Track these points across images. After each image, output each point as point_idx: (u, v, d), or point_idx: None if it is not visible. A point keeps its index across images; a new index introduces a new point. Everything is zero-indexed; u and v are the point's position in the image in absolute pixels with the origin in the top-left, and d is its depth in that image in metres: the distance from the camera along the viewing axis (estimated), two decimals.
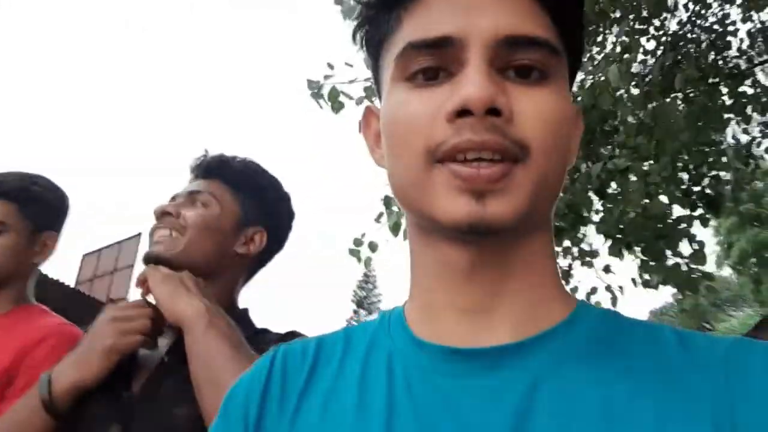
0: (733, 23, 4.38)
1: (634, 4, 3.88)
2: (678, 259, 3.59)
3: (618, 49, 4.02)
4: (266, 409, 0.52)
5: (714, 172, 4.04)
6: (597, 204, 3.89)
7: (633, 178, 3.69)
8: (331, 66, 3.69)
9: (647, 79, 3.73)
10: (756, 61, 4.32)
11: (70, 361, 0.93)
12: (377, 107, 0.56)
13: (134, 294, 1.09)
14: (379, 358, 0.51)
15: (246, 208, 1.13)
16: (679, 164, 3.82)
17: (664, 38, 4.23)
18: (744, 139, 4.54)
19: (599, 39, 4.15)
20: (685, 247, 3.65)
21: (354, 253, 4.11)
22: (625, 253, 3.80)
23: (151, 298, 0.98)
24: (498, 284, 0.48)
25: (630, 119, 3.51)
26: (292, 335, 1.00)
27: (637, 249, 3.73)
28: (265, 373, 0.55)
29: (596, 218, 3.96)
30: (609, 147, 3.87)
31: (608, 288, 4.03)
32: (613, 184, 3.77)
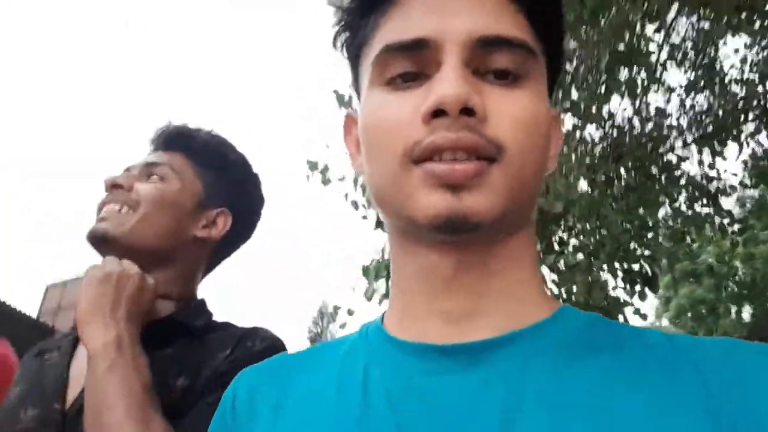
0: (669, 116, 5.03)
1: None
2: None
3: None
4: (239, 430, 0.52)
5: (648, 252, 4.62)
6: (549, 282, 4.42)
7: (580, 256, 4.29)
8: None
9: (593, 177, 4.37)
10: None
11: None
12: (357, 114, 0.55)
13: None
14: (356, 362, 0.50)
15: (209, 186, 1.00)
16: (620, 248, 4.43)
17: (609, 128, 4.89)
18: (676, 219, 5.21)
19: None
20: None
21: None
22: None
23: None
24: (481, 285, 0.48)
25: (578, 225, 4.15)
26: (255, 331, 0.90)
27: None
28: (230, 402, 0.55)
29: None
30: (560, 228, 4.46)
31: None
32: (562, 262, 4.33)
